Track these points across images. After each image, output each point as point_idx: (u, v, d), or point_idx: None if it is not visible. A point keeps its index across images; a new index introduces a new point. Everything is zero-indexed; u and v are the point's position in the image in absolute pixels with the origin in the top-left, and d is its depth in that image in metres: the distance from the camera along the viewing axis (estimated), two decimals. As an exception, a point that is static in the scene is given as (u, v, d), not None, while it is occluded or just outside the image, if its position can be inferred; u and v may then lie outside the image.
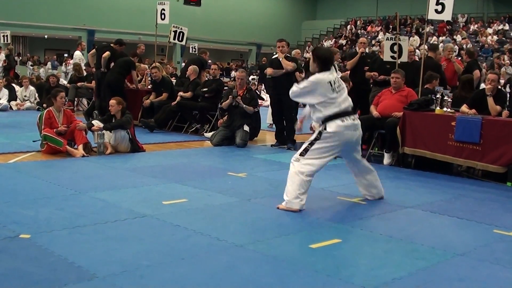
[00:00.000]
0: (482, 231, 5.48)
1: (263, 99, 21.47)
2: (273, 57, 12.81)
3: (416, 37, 30.03)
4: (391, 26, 34.56)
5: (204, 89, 11.89)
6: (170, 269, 4.08)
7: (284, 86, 10.31)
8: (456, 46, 26.92)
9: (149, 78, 13.65)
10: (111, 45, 13.46)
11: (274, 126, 12.04)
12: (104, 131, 8.94)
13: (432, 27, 33.73)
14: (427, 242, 4.97)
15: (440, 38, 31.74)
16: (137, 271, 4.01)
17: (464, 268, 4.38)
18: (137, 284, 3.78)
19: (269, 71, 10.54)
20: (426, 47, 11.83)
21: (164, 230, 5.07)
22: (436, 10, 9.66)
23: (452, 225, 5.69)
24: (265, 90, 20.88)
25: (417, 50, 20.98)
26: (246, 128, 10.49)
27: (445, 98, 8.75)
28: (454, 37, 31.93)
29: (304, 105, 6.63)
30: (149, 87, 13.55)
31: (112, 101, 9.38)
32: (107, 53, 13.00)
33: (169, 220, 5.34)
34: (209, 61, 15.48)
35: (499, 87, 9.53)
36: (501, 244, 5.09)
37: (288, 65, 10.22)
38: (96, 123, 9.12)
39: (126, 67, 12.92)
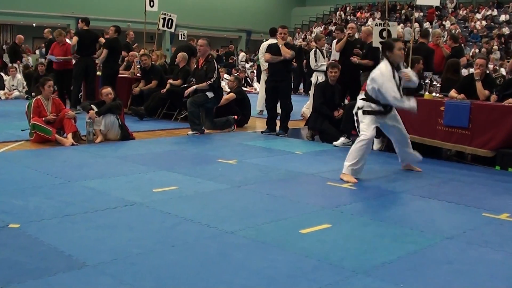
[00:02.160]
0: (471, 214, 5.52)
1: (251, 86, 21.50)
2: (266, 42, 12.76)
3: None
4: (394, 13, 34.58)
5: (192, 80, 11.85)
6: (160, 257, 4.08)
7: (281, 73, 10.28)
8: (445, 32, 26.96)
9: (138, 66, 13.59)
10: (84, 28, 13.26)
11: (264, 113, 12.05)
12: (93, 120, 8.90)
13: (422, 13, 33.71)
14: (417, 226, 5.00)
15: (425, 25, 31.74)
16: (127, 259, 4.01)
17: (453, 251, 4.40)
18: (128, 272, 3.78)
19: (267, 56, 10.49)
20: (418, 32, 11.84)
21: (154, 217, 5.07)
22: (425, -4, 9.69)
23: (441, 209, 5.72)
24: (256, 78, 20.89)
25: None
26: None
27: (434, 83, 8.78)
28: (443, 22, 31.93)
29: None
30: (138, 74, 13.49)
31: (108, 89, 9.38)
32: (75, 39, 12.81)
33: (159, 207, 5.34)
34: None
35: (488, 72, 9.54)
36: (490, 227, 5.13)
37: (287, 53, 10.15)
38: (94, 109, 9.07)
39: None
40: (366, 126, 6.76)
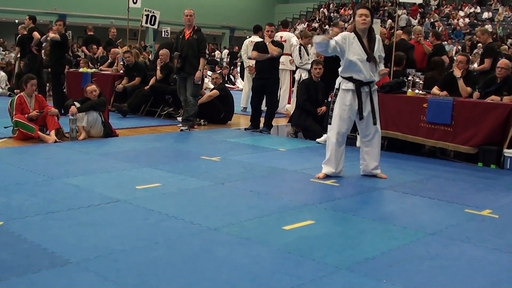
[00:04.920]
0: (454, 210, 5.55)
1: (234, 83, 21.53)
2: (249, 39, 12.74)
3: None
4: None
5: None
6: (144, 253, 4.08)
7: (268, 71, 10.26)
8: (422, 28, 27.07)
9: (121, 63, 13.54)
10: (31, 26, 13.06)
11: (248, 109, 12.05)
12: (76, 116, 8.86)
13: (405, 10, 33.85)
14: (399, 222, 5.03)
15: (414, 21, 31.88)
16: (111, 255, 4.01)
17: (435, 247, 4.43)
18: (111, 269, 3.78)
19: (253, 54, 10.46)
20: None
21: (137, 214, 5.06)
22: (408, -7, 9.74)
23: (424, 205, 5.76)
24: (239, 74, 20.90)
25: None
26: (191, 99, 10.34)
27: (417, 80, 8.83)
28: (426, 20, 32.11)
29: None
30: (121, 71, 13.44)
31: (93, 87, 9.37)
32: (36, 33, 12.66)
33: (143, 204, 5.34)
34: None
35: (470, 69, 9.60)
36: (472, 223, 5.17)
37: (274, 50, 10.13)
38: (76, 105, 9.02)
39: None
40: (334, 118, 6.64)
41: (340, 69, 6.63)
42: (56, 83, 12.26)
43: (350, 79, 6.54)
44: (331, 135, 6.66)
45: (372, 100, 6.57)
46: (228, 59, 28.23)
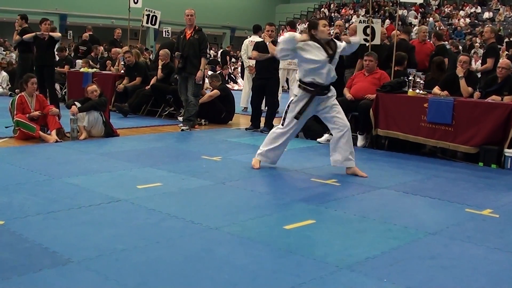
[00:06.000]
0: (454, 210, 5.56)
1: (236, 82, 21.54)
2: (248, 39, 12.73)
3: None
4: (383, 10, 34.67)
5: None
6: (145, 253, 4.08)
7: (268, 71, 10.25)
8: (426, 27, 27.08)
9: (122, 63, 13.55)
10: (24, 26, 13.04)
11: (248, 109, 12.03)
12: (77, 116, 8.87)
13: (405, 10, 33.84)
14: (400, 222, 5.03)
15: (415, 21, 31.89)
16: (112, 255, 4.01)
17: (436, 247, 4.44)
18: (113, 268, 3.78)
19: (254, 54, 10.46)
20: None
21: (138, 214, 5.06)
22: (409, -7, 9.74)
23: (425, 205, 5.76)
24: (240, 74, 20.91)
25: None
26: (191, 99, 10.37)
27: (418, 80, 8.83)
28: (427, 19, 32.10)
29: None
30: (122, 71, 13.45)
31: (93, 87, 9.38)
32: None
33: (144, 204, 5.34)
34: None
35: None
36: (473, 222, 5.18)
37: (274, 50, 10.12)
38: (77, 105, 9.03)
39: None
40: (288, 118, 7.02)
41: None
42: (53, 82, 12.27)
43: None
44: None
45: None
46: (220, 59, 28.22)
